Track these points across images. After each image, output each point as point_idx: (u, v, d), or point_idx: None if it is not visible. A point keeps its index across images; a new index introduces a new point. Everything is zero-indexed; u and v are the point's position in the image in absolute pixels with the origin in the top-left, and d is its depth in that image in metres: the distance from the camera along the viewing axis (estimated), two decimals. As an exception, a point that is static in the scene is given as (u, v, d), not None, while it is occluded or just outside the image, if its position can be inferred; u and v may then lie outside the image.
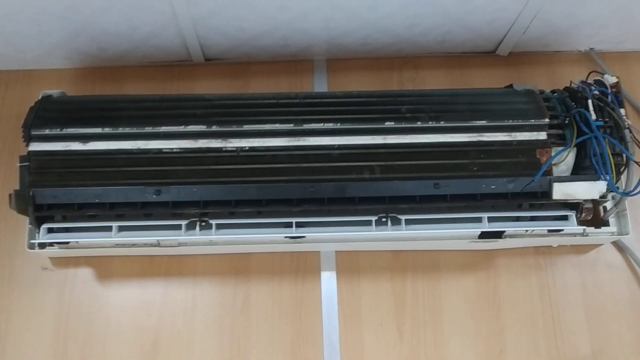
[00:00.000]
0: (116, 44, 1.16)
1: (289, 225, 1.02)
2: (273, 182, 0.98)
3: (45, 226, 1.01)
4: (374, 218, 1.01)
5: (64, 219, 1.02)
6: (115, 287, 1.14)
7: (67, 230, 1.03)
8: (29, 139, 1.00)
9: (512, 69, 1.28)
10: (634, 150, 1.00)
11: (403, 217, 1.01)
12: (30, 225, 1.05)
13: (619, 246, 1.17)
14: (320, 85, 1.27)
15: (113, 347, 1.10)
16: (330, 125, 1.01)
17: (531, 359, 1.10)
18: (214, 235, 1.01)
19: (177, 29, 1.12)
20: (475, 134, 1.01)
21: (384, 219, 1.01)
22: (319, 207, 0.99)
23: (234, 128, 1.01)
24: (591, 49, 1.27)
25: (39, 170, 0.99)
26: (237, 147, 1.00)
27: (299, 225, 1.02)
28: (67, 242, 1.04)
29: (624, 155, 0.99)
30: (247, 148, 1.00)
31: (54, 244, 1.05)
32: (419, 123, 1.01)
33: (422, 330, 1.12)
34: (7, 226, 1.17)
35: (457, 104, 1.04)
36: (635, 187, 0.98)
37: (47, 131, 1.00)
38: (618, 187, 1.01)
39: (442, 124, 1.01)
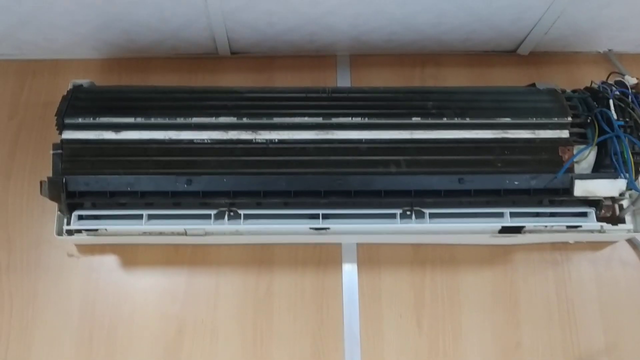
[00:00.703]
0: (146, 35, 1.18)
1: (314, 216, 1.04)
2: (301, 174, 1.00)
3: (76, 213, 1.03)
4: (398, 211, 1.04)
5: (94, 207, 1.04)
6: (141, 275, 1.16)
7: (97, 217, 1.05)
8: (62, 127, 1.01)
9: (532, 68, 1.31)
10: (653, 150, 1.03)
11: (427, 211, 1.03)
12: (59, 212, 1.06)
13: (633, 243, 1.19)
14: (343, 80, 1.29)
15: (138, 334, 1.12)
16: (358, 120, 1.03)
17: (546, 352, 1.13)
18: (242, 225, 1.03)
19: (207, 22, 1.14)
20: (499, 131, 1.03)
21: (408, 213, 1.04)
22: (345, 200, 1.02)
23: (264, 120, 1.03)
24: (609, 50, 1.30)
25: (72, 158, 1.01)
26: (266, 139, 1.02)
27: (325, 217, 1.04)
28: (97, 230, 1.06)
29: (644, 155, 1.02)
30: (276, 140, 1.02)
31: (83, 231, 1.06)
32: (445, 119, 1.03)
33: (440, 322, 1.14)
34: (35, 213, 1.18)
35: (482, 102, 1.07)
36: (654, 186, 1.01)
37: (80, 120, 1.02)
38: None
39: (467, 120, 1.03)
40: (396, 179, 1.01)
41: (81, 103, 1.04)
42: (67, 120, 1.01)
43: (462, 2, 1.10)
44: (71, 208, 1.03)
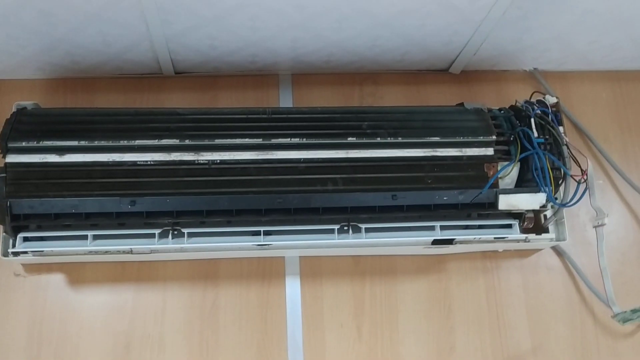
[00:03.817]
0: (90, 57, 1.20)
1: (257, 233, 1.08)
2: (243, 193, 1.04)
3: (21, 235, 1.05)
4: (336, 227, 1.09)
5: (39, 228, 1.06)
6: (88, 293, 1.18)
7: (42, 239, 1.07)
8: (5, 150, 1.02)
9: (463, 85, 1.37)
10: (570, 165, 1.11)
11: (363, 226, 1.09)
12: (4, 234, 1.08)
13: (557, 251, 1.28)
14: (285, 98, 1.33)
15: (86, 351, 1.14)
16: (296, 140, 1.07)
17: (478, 354, 1.20)
18: (185, 244, 1.06)
19: (150, 45, 1.16)
20: (429, 150, 1.09)
21: (345, 228, 1.09)
22: (286, 217, 1.06)
23: (206, 142, 1.06)
24: (535, 69, 1.38)
25: (16, 182, 1.02)
26: (208, 160, 1.05)
27: (267, 233, 1.09)
28: (42, 250, 1.07)
29: (562, 170, 1.09)
30: (218, 161, 1.05)
31: (29, 252, 1.08)
32: (379, 139, 1.09)
33: (379, 330, 1.20)
34: (-21, 234, 1.18)
35: (414, 121, 1.12)
36: (572, 199, 1.09)
37: (23, 143, 1.02)
38: (556, 199, 1.12)
39: (399, 139, 1.09)
40: (333, 196, 1.06)
41: (25, 126, 1.05)
42: (11, 144, 1.02)
43: (395, 27, 1.16)
44: (16, 230, 1.04)
